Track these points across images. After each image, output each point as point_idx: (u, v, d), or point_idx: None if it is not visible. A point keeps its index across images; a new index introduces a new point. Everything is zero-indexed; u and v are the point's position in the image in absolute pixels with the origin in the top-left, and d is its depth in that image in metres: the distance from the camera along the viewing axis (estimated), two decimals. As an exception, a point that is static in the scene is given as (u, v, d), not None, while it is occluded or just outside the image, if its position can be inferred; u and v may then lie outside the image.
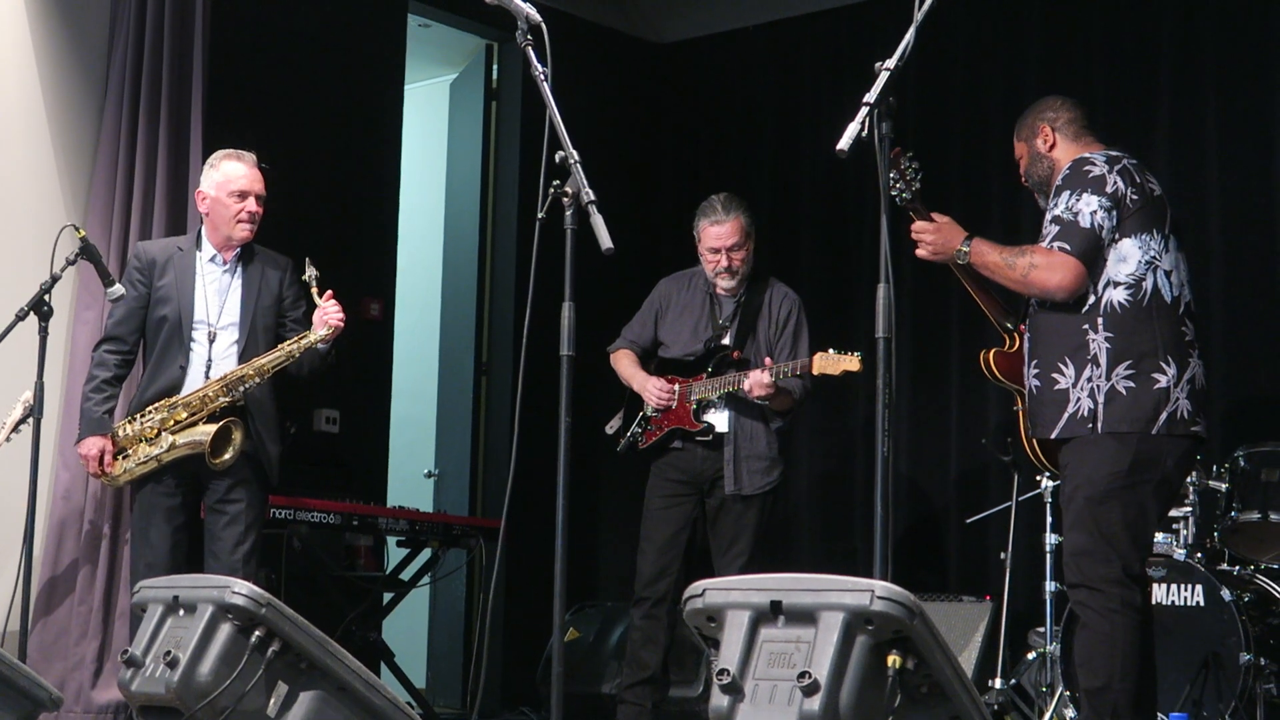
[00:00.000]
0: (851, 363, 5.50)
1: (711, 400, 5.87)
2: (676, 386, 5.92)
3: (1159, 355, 4.48)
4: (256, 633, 3.70)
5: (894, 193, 4.55)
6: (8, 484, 5.82)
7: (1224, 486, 5.85)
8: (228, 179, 5.55)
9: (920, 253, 4.72)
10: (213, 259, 5.59)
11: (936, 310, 7.24)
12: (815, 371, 5.57)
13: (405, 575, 6.96)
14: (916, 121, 7.47)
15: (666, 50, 8.78)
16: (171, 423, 5.41)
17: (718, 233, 5.92)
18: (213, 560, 5.44)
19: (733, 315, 5.98)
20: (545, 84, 4.14)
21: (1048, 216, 4.60)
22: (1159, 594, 5.66)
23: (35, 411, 5.56)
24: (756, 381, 5.64)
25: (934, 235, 4.69)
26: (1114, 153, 4.63)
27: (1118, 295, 4.50)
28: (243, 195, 5.54)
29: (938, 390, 7.45)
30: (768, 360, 5.68)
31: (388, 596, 6.98)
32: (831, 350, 5.55)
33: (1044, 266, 4.52)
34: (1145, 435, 4.45)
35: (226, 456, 5.39)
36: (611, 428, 6.14)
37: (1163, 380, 4.46)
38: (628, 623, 6.11)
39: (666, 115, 8.73)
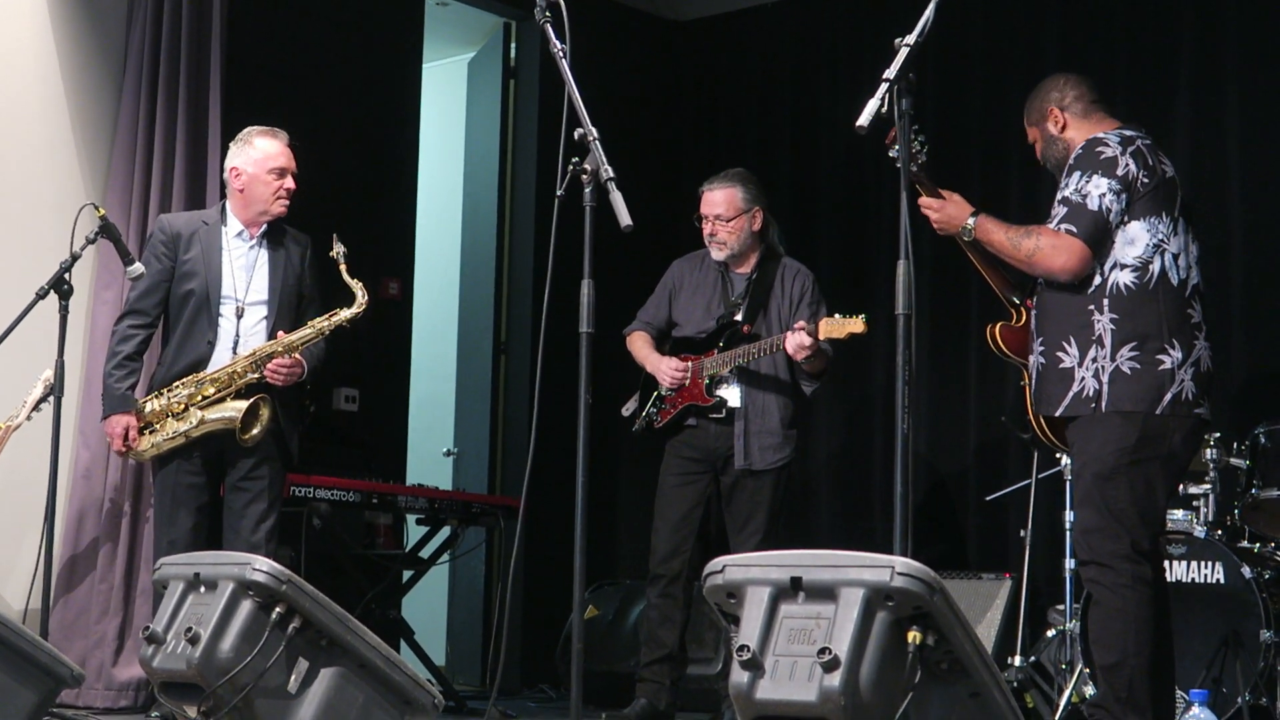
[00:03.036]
0: (856, 325, 5.51)
1: (723, 375, 5.89)
2: (689, 364, 5.94)
3: (1164, 337, 4.47)
4: (277, 609, 3.71)
5: (899, 165, 4.54)
6: (29, 463, 5.83)
7: (1244, 464, 5.84)
8: (267, 156, 5.56)
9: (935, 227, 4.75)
10: (239, 234, 5.60)
11: (955, 287, 7.22)
12: (822, 336, 5.57)
13: (425, 553, 6.97)
14: (936, 98, 7.45)
15: (685, 27, 8.76)
16: (199, 398, 5.42)
17: (707, 199, 6.01)
18: (234, 537, 5.45)
19: (745, 292, 6.00)
20: (564, 61, 4.14)
21: (1057, 197, 4.60)
22: (1179, 571, 5.65)
23: (55, 390, 5.57)
24: (797, 346, 5.62)
25: (939, 212, 4.72)
26: (1128, 132, 4.62)
27: (1124, 277, 4.49)
28: (282, 172, 5.57)
29: (956, 367, 7.44)
30: (799, 324, 5.67)
31: (407, 574, 7.00)
32: (837, 315, 5.56)
33: (1049, 248, 4.52)
34: (1150, 415, 4.45)
35: (255, 432, 5.41)
36: (628, 409, 6.16)
37: (1167, 362, 4.46)
38: (645, 601, 6.12)
39: (685, 92, 8.71)
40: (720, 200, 5.97)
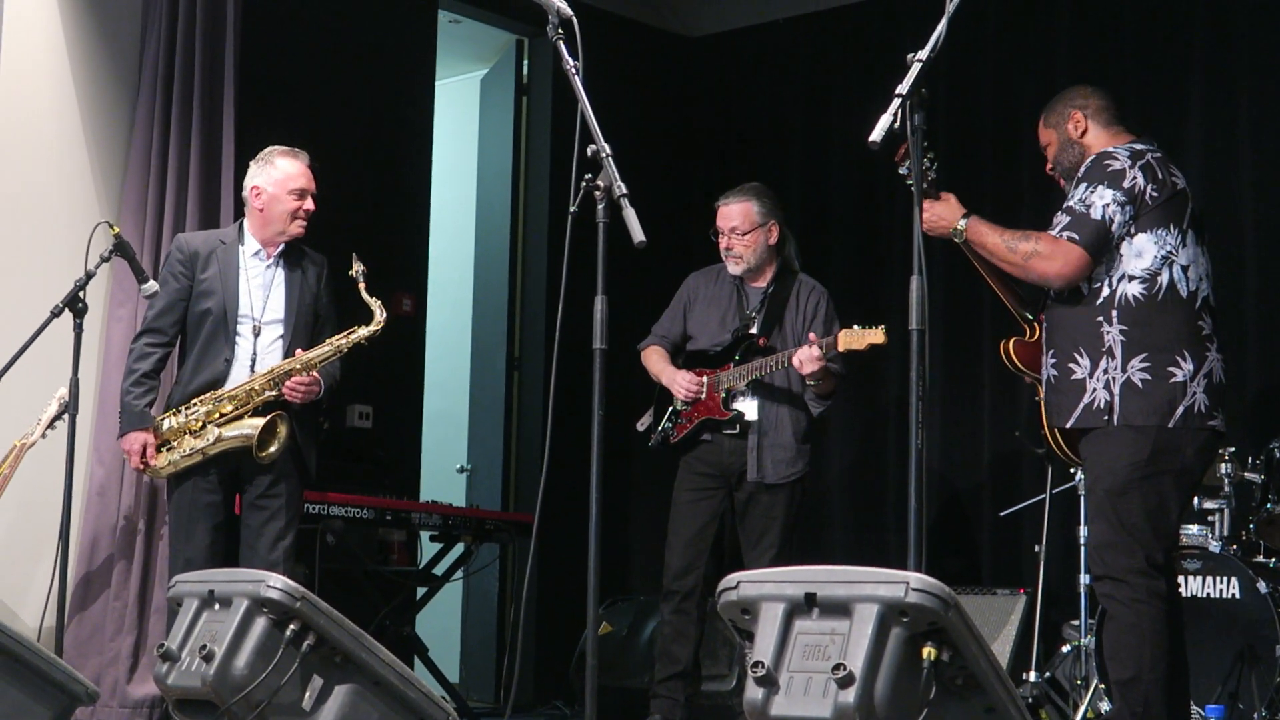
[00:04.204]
0: (877, 335, 5.50)
1: (740, 389, 5.89)
2: (704, 378, 5.93)
3: (1175, 349, 4.46)
4: (291, 626, 3.72)
5: (909, 184, 4.53)
6: (43, 480, 5.84)
7: (1259, 478, 5.83)
8: (288, 176, 5.58)
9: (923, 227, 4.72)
10: (256, 253, 5.61)
11: (968, 302, 7.22)
12: (841, 348, 5.57)
13: (438, 570, 6.97)
14: (947, 113, 7.45)
15: (697, 44, 8.78)
16: (217, 415, 5.43)
17: (723, 213, 6.02)
18: (251, 556, 5.45)
19: (759, 306, 6.00)
20: (577, 77, 4.14)
21: (1062, 206, 4.59)
22: (1194, 586, 5.64)
23: (70, 408, 5.58)
24: (808, 357, 5.62)
25: (928, 211, 4.67)
26: (1139, 146, 4.61)
27: (1132, 289, 4.49)
28: (302, 193, 5.58)
29: (970, 382, 7.43)
30: (812, 336, 5.68)
31: (421, 591, 7.00)
32: (856, 326, 5.55)
33: (1046, 254, 4.51)
34: (1163, 428, 4.44)
35: (272, 449, 5.41)
36: (643, 424, 6.15)
37: (1179, 374, 4.45)
38: (659, 617, 6.11)
39: (697, 109, 8.72)
40: (736, 214, 5.98)
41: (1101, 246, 4.49)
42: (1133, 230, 4.49)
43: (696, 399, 5.94)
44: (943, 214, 4.69)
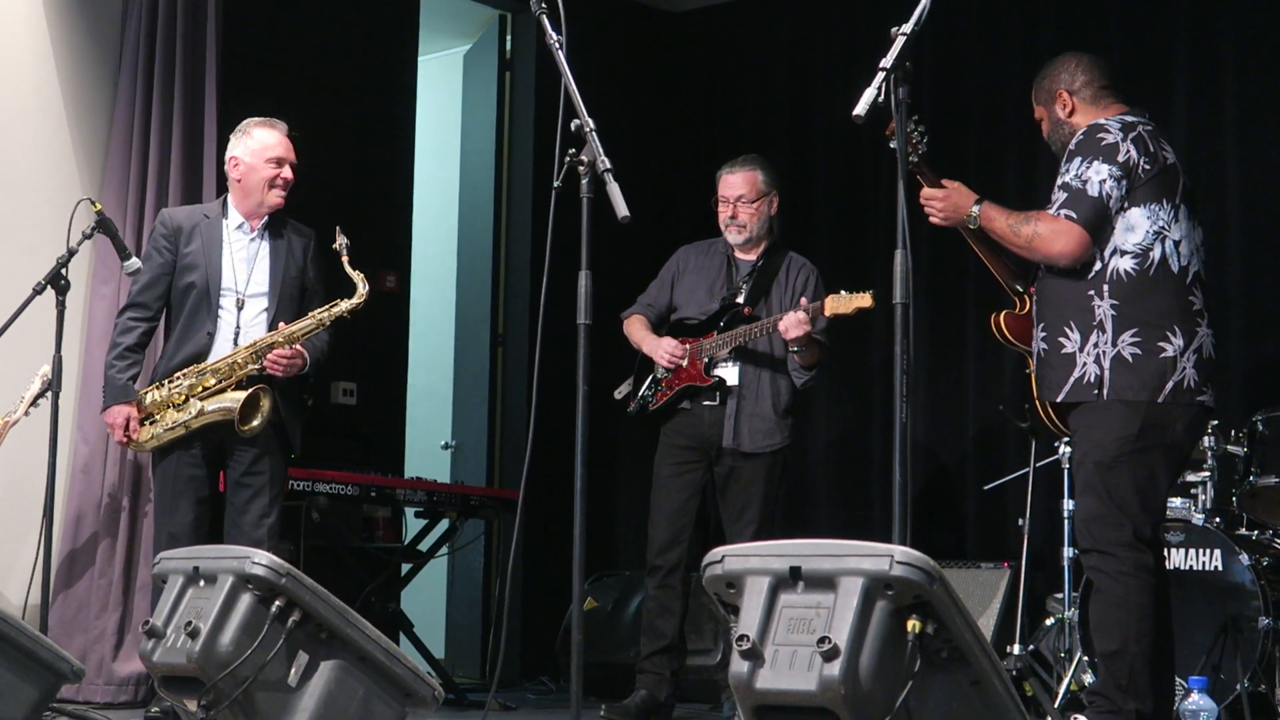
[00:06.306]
0: (864, 300, 5.51)
1: (722, 356, 5.89)
2: (688, 346, 5.93)
3: (1165, 324, 4.46)
4: (277, 603, 3.71)
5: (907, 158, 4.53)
6: (27, 458, 5.83)
7: (1242, 451, 5.84)
8: (264, 146, 5.58)
9: (932, 219, 4.72)
10: (240, 226, 5.60)
11: (953, 276, 7.22)
12: (828, 312, 5.58)
13: (423, 546, 6.97)
14: (932, 86, 7.44)
15: (681, 18, 8.75)
16: (200, 389, 5.43)
17: (728, 181, 6.01)
18: (235, 532, 5.45)
19: (748, 277, 6.00)
20: (560, 52, 4.14)
21: (1057, 183, 4.59)
22: (1177, 559, 5.66)
23: (53, 385, 5.57)
24: (793, 321, 5.62)
25: (943, 201, 4.69)
26: (1129, 118, 4.61)
27: (1124, 264, 4.49)
28: (279, 162, 5.58)
29: (955, 356, 7.44)
30: (803, 301, 5.68)
31: (406, 567, 7.00)
32: (843, 291, 5.56)
33: (1048, 233, 4.51)
34: (1153, 403, 4.45)
35: (255, 423, 5.41)
36: (620, 392, 6.15)
37: (1169, 349, 4.46)
38: (644, 592, 6.12)
39: (681, 84, 8.71)
40: (742, 182, 5.98)
41: (1100, 223, 4.49)
42: (1125, 204, 4.50)
43: (679, 366, 5.93)
44: (957, 203, 4.68)
